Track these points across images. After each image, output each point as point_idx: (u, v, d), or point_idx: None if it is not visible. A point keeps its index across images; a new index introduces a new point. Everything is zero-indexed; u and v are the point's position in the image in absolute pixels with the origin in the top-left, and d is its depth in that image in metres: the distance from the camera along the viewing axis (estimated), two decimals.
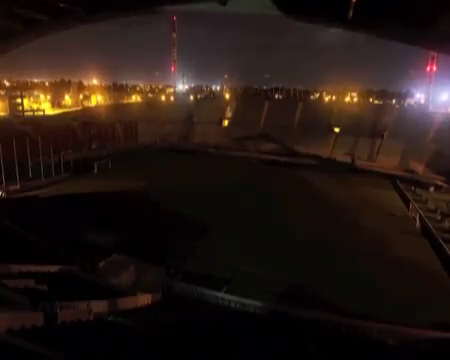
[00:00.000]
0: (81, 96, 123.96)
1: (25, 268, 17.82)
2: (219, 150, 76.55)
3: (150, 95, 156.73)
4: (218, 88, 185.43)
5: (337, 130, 77.78)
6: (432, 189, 50.81)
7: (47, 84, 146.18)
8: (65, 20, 11.82)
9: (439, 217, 38.75)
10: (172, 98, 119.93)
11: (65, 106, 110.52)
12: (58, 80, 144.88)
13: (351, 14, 8.43)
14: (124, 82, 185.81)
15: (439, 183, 52.56)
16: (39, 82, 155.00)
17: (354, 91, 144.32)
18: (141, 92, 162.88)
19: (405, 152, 63.77)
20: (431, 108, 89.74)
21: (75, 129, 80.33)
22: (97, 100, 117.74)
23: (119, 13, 11.18)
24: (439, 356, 15.69)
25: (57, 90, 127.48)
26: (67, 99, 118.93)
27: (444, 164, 57.22)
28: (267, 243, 30.72)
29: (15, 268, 17.26)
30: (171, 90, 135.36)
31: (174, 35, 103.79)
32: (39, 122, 78.23)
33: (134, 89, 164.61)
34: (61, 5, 11.08)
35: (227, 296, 22.71)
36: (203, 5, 11.04)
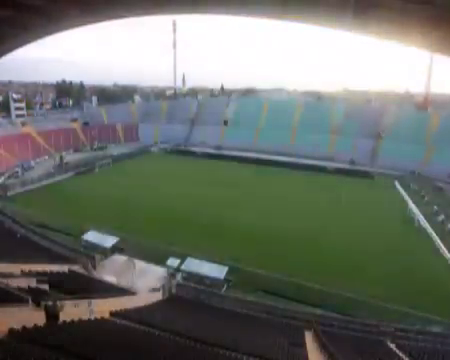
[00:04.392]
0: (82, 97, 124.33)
1: (27, 267, 17.94)
2: (219, 150, 76.68)
3: (151, 96, 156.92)
4: (218, 88, 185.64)
5: (336, 130, 77.77)
6: (432, 189, 50.76)
7: (49, 85, 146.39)
8: (62, 22, 11.88)
9: (438, 217, 38.75)
10: (173, 98, 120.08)
11: (66, 106, 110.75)
12: (60, 81, 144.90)
13: (351, 15, 8.48)
14: (125, 82, 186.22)
15: (439, 184, 52.54)
16: (41, 83, 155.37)
17: (354, 92, 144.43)
18: (142, 92, 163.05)
19: (404, 152, 63.74)
20: (430, 109, 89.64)
21: (76, 129, 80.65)
22: (98, 101, 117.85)
23: (121, 14, 11.28)
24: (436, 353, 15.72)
25: (59, 91, 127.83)
26: (68, 100, 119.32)
27: (444, 165, 57.28)
28: (267, 242, 30.77)
29: (17, 267, 17.37)
30: (172, 91, 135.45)
31: (175, 36, 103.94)
32: (41, 122, 78.66)
33: (135, 89, 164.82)
34: (59, 7, 11.17)
35: (227, 296, 22.78)
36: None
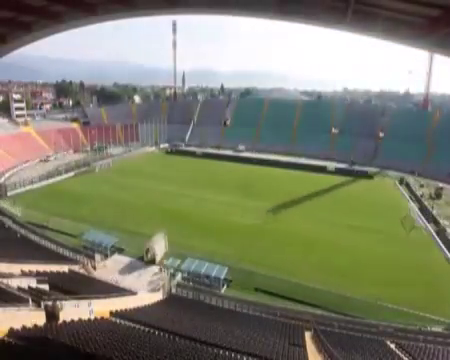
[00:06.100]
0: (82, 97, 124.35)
1: (27, 267, 17.94)
2: (219, 150, 76.71)
3: (151, 96, 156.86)
4: (218, 88, 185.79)
5: (336, 130, 77.80)
6: (432, 189, 50.73)
7: (49, 85, 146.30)
8: (64, 22, 11.90)
9: (438, 217, 38.75)
10: (173, 99, 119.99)
11: (67, 106, 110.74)
12: (60, 81, 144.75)
13: (350, 15, 8.49)
14: (125, 82, 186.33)
15: (439, 183, 52.52)
16: (42, 83, 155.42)
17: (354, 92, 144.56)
18: (142, 92, 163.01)
19: (404, 152, 63.72)
20: (430, 108, 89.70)
21: (76, 129, 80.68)
22: (98, 101, 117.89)
23: (122, 14, 11.30)
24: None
25: (59, 91, 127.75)
26: (68, 100, 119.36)
27: (444, 164, 57.26)
28: (268, 243, 30.77)
29: (17, 267, 17.38)
30: (172, 91, 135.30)
31: (175, 36, 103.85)
32: (41, 122, 78.63)
33: (135, 89, 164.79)
34: (60, 8, 11.18)
35: (227, 296, 22.77)
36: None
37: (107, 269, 25.74)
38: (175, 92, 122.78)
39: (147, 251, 27.33)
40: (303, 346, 15.96)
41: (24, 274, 17.07)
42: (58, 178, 51.79)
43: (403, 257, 29.19)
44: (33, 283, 15.39)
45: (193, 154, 73.60)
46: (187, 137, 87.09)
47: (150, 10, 11.17)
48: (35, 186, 47.22)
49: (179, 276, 25.09)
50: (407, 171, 58.96)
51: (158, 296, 21.81)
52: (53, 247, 27.51)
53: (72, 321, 11.77)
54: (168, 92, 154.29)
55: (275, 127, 79.32)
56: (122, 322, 14.28)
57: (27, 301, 11.24)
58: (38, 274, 17.55)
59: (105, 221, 33.90)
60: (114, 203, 40.61)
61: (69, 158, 65.23)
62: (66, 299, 13.00)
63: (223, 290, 23.97)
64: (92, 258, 25.96)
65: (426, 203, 43.26)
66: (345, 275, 25.48)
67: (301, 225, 35.45)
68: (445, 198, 46.48)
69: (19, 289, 13.33)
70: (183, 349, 11.52)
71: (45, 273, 18.33)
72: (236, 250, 28.74)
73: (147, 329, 13.57)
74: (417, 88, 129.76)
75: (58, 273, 20.13)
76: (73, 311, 12.34)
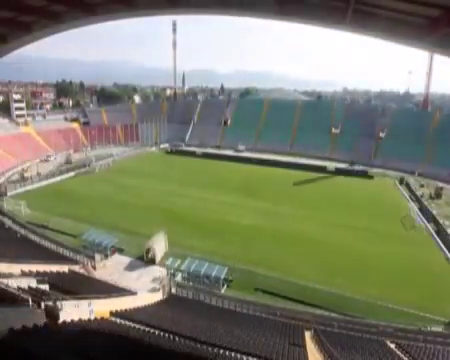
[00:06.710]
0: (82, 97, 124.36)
1: (27, 267, 17.95)
2: (219, 150, 76.69)
3: (151, 96, 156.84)
4: (218, 88, 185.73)
5: (336, 130, 77.81)
6: (432, 189, 50.78)
7: (49, 85, 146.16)
8: (64, 22, 11.91)
9: (439, 217, 38.75)
10: (173, 99, 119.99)
11: (67, 106, 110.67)
12: (60, 81, 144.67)
13: (350, 15, 8.50)
14: (125, 82, 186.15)
15: (439, 183, 52.55)
16: (42, 83, 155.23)
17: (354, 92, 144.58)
18: (142, 92, 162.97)
19: (404, 152, 63.76)
20: (430, 108, 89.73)
21: (76, 129, 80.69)
22: (98, 101, 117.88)
23: (123, 14, 11.30)
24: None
25: (59, 91, 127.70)
26: (68, 100, 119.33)
27: (444, 164, 57.28)
28: (268, 243, 30.77)
29: (17, 267, 17.38)
30: (172, 91, 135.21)
31: (175, 36, 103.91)
32: (41, 122, 78.64)
33: (135, 89, 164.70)
34: (59, 8, 11.18)
35: (227, 296, 22.78)
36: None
37: (107, 269, 25.74)
38: (175, 92, 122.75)
39: (147, 251, 27.34)
40: (303, 346, 15.96)
41: (24, 274, 17.07)
42: (58, 178, 51.80)
43: (403, 257, 29.17)
44: (33, 283, 15.39)
45: (193, 154, 73.61)
46: (187, 137, 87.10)
47: (151, 10, 11.18)
48: (35, 186, 47.24)
49: (179, 276, 25.10)
50: (407, 171, 58.96)
51: (158, 296, 21.81)
52: (53, 247, 27.51)
53: (72, 321, 11.77)
54: (168, 92, 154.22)
55: (275, 127, 79.34)
56: (122, 322, 14.28)
57: (27, 301, 11.23)
58: (38, 274, 17.54)
59: (105, 221, 33.91)
60: (114, 203, 40.62)
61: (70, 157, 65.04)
62: (66, 299, 12.99)
63: (223, 290, 23.98)
64: (92, 258, 25.97)
65: (426, 203, 43.28)
66: (345, 275, 25.47)
67: (301, 225, 35.45)
68: (445, 198, 46.48)
69: (19, 289, 13.32)
70: (183, 349, 11.52)
71: (45, 273, 18.32)
72: (236, 250, 28.75)
73: (147, 329, 13.57)
74: (417, 88, 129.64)
75: (58, 273, 20.12)
76: (73, 311, 12.33)
